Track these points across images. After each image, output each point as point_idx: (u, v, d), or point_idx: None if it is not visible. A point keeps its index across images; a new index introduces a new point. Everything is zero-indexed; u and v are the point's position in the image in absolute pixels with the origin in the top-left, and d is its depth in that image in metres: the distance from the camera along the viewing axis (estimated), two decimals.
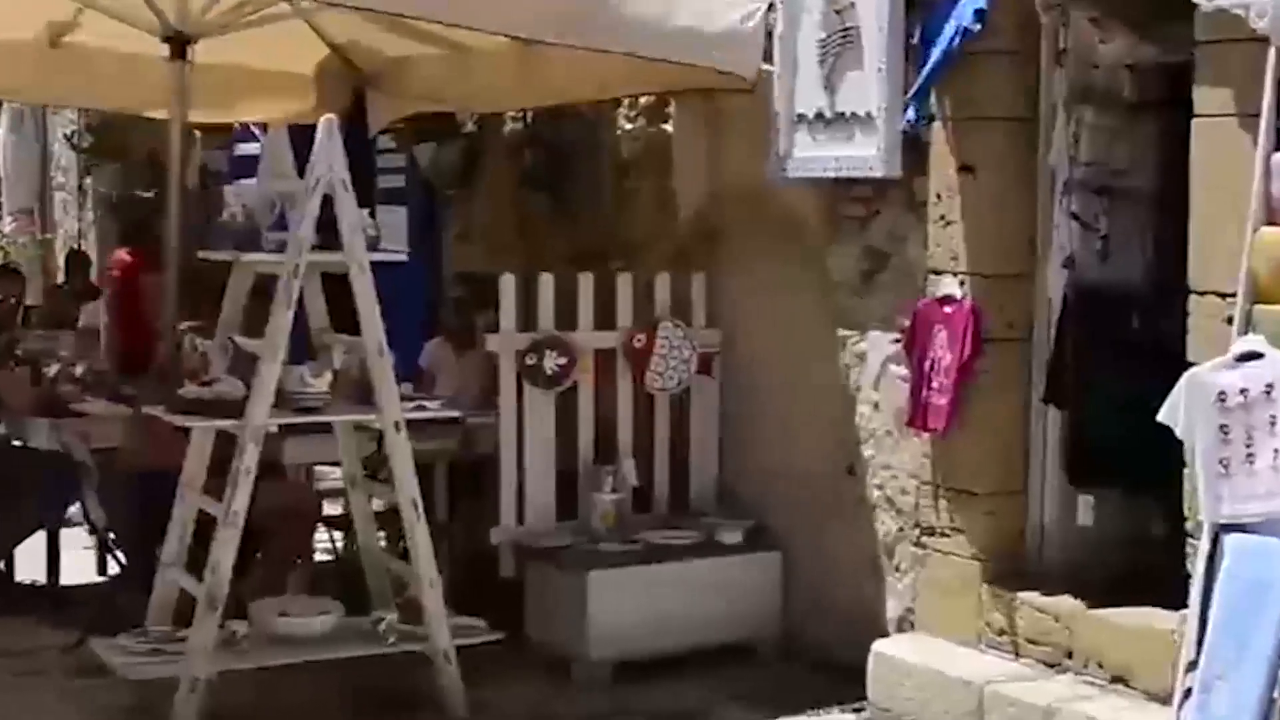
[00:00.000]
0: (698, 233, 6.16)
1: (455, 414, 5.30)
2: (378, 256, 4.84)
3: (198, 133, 9.73)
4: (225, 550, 4.64)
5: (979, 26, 4.77)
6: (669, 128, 6.32)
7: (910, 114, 4.96)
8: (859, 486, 5.49)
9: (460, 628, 4.96)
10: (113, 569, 6.81)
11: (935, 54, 4.91)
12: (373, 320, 4.77)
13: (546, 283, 5.73)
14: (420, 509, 4.86)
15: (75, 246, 11.19)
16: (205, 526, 5.00)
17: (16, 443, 6.62)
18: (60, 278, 10.79)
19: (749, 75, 5.54)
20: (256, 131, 8.82)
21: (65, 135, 10.86)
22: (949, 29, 4.86)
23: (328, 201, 4.69)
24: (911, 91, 4.97)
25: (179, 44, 5.96)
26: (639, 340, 5.83)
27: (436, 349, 6.64)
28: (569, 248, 6.66)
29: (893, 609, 5.38)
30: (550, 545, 5.59)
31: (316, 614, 4.94)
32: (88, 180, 11.10)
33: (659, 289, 5.93)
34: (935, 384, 4.94)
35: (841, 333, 5.55)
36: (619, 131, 6.58)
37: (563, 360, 5.69)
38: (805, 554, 5.70)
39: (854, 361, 5.52)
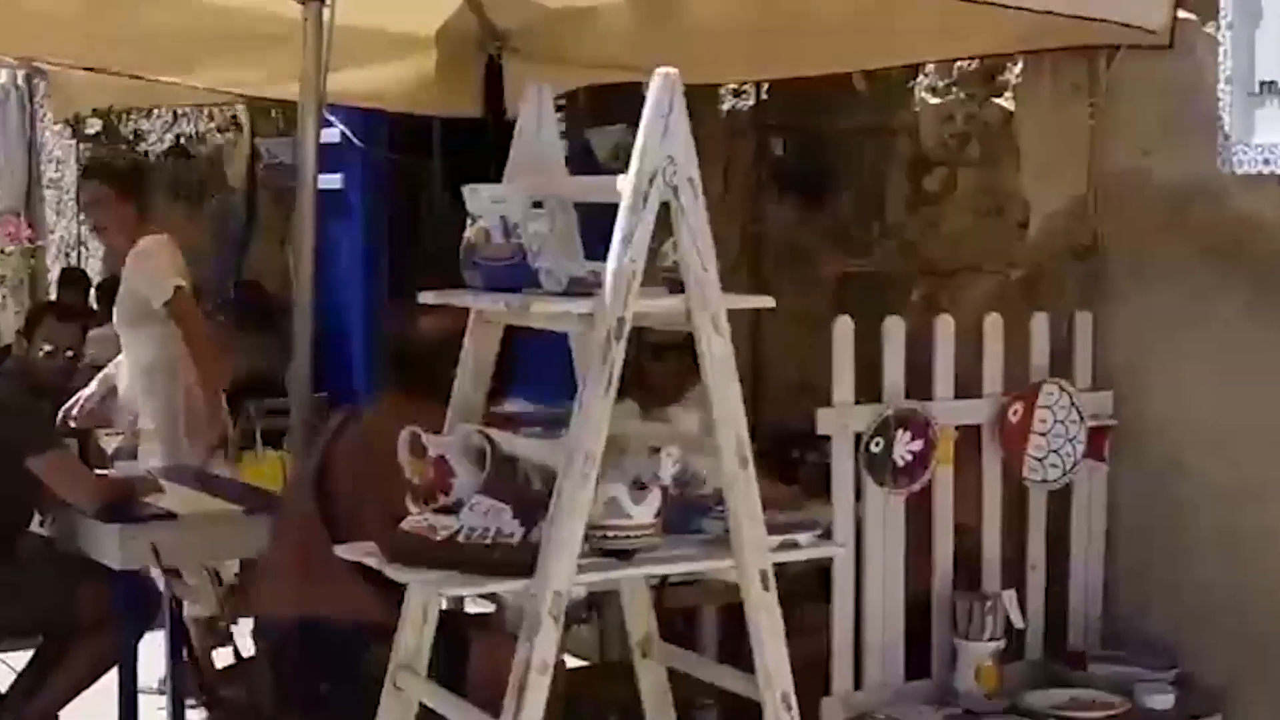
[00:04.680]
0: (1061, 250, 4.32)
1: (841, 550, 3.42)
2: (742, 302, 2.97)
3: (242, 117, 7.91)
4: None
5: None
6: (1007, 102, 4.47)
7: None
8: None
9: None
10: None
11: None
12: (731, 407, 2.91)
13: (894, 329, 3.86)
14: (795, 707, 3.01)
15: (70, 262, 9.26)
16: None
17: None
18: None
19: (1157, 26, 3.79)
20: (330, 117, 6.98)
21: (66, 120, 8.91)
22: None
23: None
24: None
25: None
26: (1015, 411, 3.98)
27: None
28: (835, 272, 4.82)
29: None
30: None
31: None
32: None
33: (1036, 335, 4.08)
34: None
35: None
36: (917, 109, 4.73)
37: (917, 444, 3.84)
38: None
39: None
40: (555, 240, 3.20)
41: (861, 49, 4.45)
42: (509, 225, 3.04)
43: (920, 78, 4.71)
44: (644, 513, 2.94)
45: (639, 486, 2.96)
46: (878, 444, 3.80)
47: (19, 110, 10.01)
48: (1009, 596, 3.94)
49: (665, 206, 2.90)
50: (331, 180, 6.83)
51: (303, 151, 4.46)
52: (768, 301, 3.05)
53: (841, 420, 3.78)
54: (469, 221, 3.07)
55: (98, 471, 4.82)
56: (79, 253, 9.41)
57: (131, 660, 4.51)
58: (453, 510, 3.00)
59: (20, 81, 9.84)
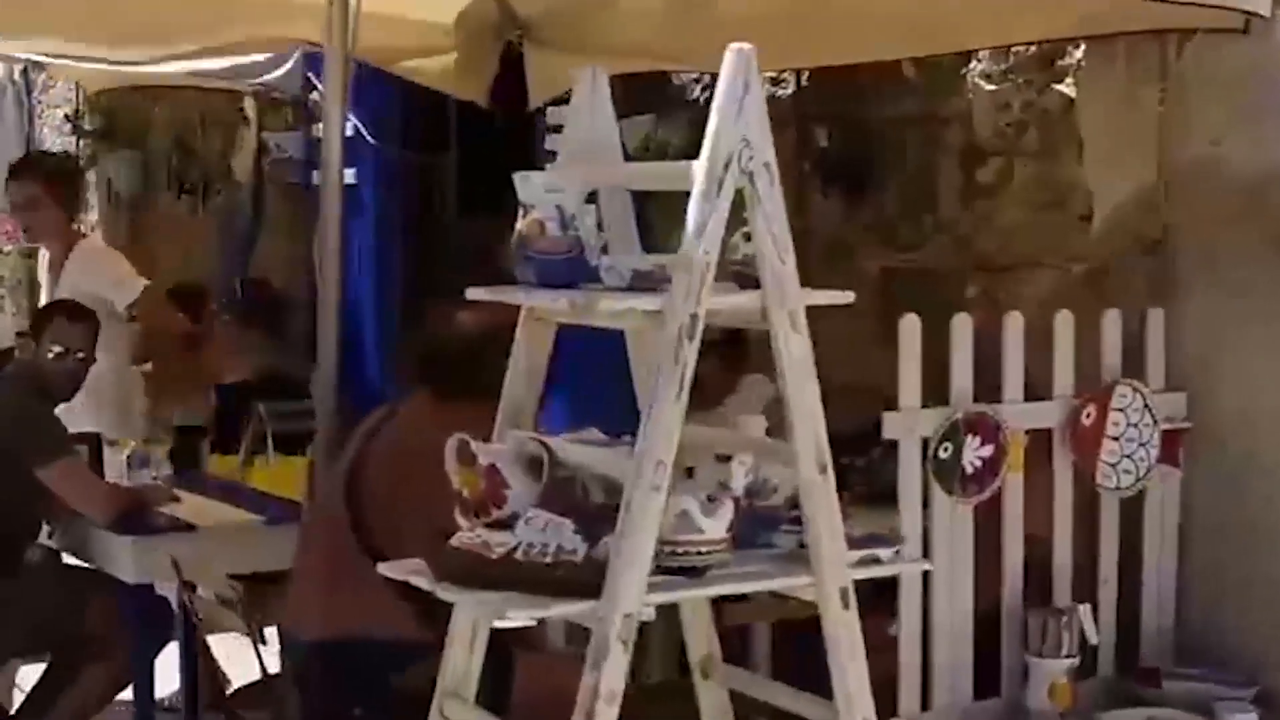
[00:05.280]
0: (1126, 244, 4.10)
1: (925, 566, 3.21)
2: (821, 298, 2.75)
3: (249, 110, 7.66)
4: None
5: None
6: (1067, 89, 4.24)
7: None
8: None
9: None
10: None
11: None
12: (809, 409, 2.69)
13: (962, 328, 3.63)
14: None
15: None
16: None
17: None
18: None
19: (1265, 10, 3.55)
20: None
21: (66, 115, 8.67)
22: None
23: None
24: None
25: None
26: (1089, 414, 3.76)
27: None
28: (884, 267, 4.59)
29: None
30: None
31: None
32: (91, 172, 8.84)
33: (1108, 333, 3.86)
34: None
35: None
36: (970, 96, 4.50)
37: (987, 450, 3.61)
38: None
39: None
40: (613, 232, 2.98)
41: (907, 36, 4.20)
42: (566, 216, 2.81)
43: (974, 63, 4.47)
44: (716, 526, 2.72)
45: (710, 499, 2.76)
46: (946, 449, 3.57)
47: (16, 106, 9.73)
48: (1084, 611, 3.72)
49: (736, 194, 2.69)
50: (345, 176, 6.62)
51: (327, 144, 4.26)
52: (846, 297, 2.82)
53: (908, 424, 3.55)
54: (520, 213, 2.84)
55: (109, 480, 4.60)
56: None
57: (147, 678, 4.28)
58: (507, 525, 2.77)
59: (17, 76, 9.58)
